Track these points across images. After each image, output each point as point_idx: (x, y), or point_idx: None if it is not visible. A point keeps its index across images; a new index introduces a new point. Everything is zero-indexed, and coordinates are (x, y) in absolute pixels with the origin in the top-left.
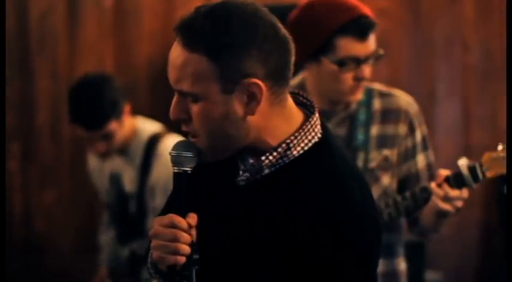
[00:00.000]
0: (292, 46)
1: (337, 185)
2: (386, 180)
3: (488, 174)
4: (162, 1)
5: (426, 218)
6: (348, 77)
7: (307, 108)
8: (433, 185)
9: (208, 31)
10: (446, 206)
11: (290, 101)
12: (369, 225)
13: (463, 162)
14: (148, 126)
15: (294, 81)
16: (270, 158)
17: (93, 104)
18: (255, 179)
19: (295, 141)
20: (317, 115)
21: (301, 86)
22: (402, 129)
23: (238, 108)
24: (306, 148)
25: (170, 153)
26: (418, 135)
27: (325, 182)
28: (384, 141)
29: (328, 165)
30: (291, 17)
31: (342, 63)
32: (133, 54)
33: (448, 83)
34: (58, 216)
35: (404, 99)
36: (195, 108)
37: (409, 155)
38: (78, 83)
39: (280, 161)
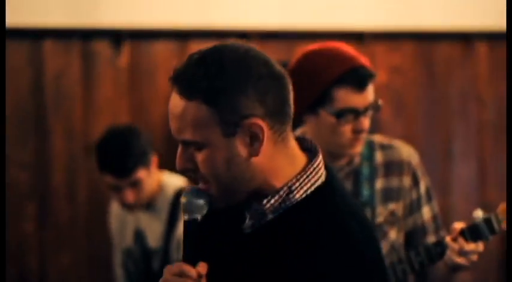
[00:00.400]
0: (288, 81)
1: (338, 227)
2: (393, 234)
3: (504, 225)
4: (176, 60)
5: (439, 272)
6: (347, 129)
7: (311, 153)
8: (448, 239)
9: (202, 77)
10: (461, 260)
11: (293, 141)
12: (371, 264)
13: (478, 214)
14: (174, 181)
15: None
16: (272, 201)
17: (122, 150)
18: (259, 225)
19: (297, 184)
20: (320, 157)
21: None
22: (406, 181)
23: (242, 150)
24: (308, 192)
25: (181, 201)
26: (422, 187)
27: (326, 225)
28: (389, 194)
29: (330, 208)
30: (288, 68)
31: (340, 115)
32: (149, 113)
33: (464, 140)
34: (74, 279)
35: (406, 151)
36: (199, 156)
37: (414, 207)
38: (107, 132)
39: (283, 205)
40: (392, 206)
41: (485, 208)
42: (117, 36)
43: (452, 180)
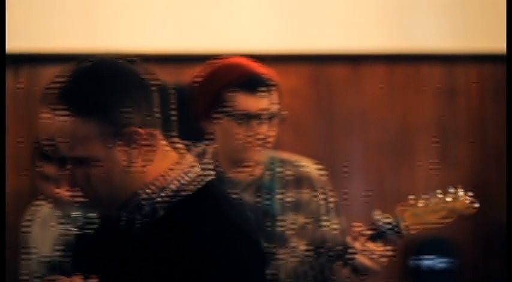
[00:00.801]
0: (154, 89)
1: (228, 220)
2: (300, 245)
3: (409, 228)
4: None
5: (344, 277)
6: (241, 133)
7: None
8: (348, 238)
9: (76, 93)
10: (372, 264)
11: (166, 144)
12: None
13: (378, 215)
14: None
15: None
16: (148, 191)
17: None
18: (151, 222)
19: (186, 178)
20: (207, 155)
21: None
22: (313, 195)
23: (122, 159)
24: (199, 186)
25: (67, 215)
26: (330, 202)
27: (218, 218)
28: (296, 207)
29: (221, 201)
30: (193, 80)
31: (233, 118)
32: None
33: (355, 160)
34: None
35: (311, 166)
36: (84, 171)
37: (320, 220)
38: None
39: (173, 199)
40: (299, 218)
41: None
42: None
43: (348, 198)
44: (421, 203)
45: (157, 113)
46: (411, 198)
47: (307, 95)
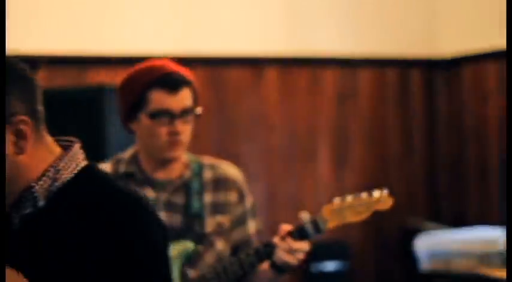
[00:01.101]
0: (37, 84)
1: (114, 197)
2: (220, 245)
3: (330, 225)
4: None
5: (263, 274)
6: (163, 131)
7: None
8: (276, 239)
9: None
10: (289, 258)
11: (50, 139)
12: (152, 219)
13: (305, 216)
14: None
15: (128, 153)
16: (42, 183)
17: None
18: (33, 213)
19: (62, 164)
20: (78, 147)
21: (135, 156)
22: (233, 197)
23: (10, 149)
24: (76, 171)
25: None
26: (248, 203)
27: (101, 197)
28: (216, 208)
29: (102, 182)
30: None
31: (154, 116)
32: None
33: (253, 164)
34: None
35: (232, 170)
36: None
37: (240, 221)
38: None
39: (52, 187)
40: (219, 218)
41: (274, 229)
42: None
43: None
44: (338, 200)
45: (41, 108)
46: (336, 198)
47: (204, 98)
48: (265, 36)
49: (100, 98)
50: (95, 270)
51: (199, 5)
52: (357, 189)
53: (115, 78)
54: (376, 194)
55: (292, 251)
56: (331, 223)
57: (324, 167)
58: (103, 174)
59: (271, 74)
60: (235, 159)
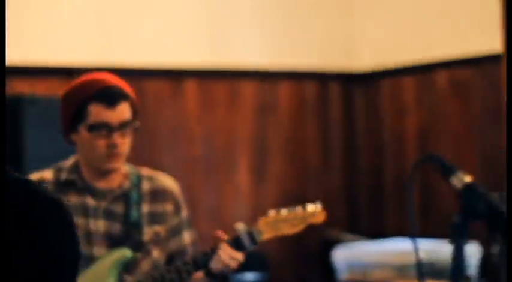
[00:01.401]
0: None
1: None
2: (156, 254)
3: (264, 237)
4: None
5: None
6: (101, 143)
7: None
8: (217, 244)
9: None
10: (227, 266)
11: None
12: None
13: (240, 227)
14: None
15: (69, 162)
16: None
17: None
18: None
19: None
20: None
21: (76, 165)
22: (169, 208)
23: None
24: None
25: None
26: (184, 214)
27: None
28: (154, 218)
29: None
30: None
31: (92, 129)
32: None
33: (173, 175)
34: None
35: (169, 182)
36: None
37: (176, 231)
38: None
39: None
40: (156, 228)
41: (195, 240)
42: None
43: None
44: (273, 212)
45: None
46: (271, 211)
47: None
48: (185, 48)
49: (18, 108)
50: (11, 271)
51: (120, 16)
52: (276, 201)
53: (35, 88)
54: (310, 207)
55: (231, 258)
56: (266, 235)
57: (243, 179)
58: (17, 176)
59: (190, 86)
60: (155, 170)
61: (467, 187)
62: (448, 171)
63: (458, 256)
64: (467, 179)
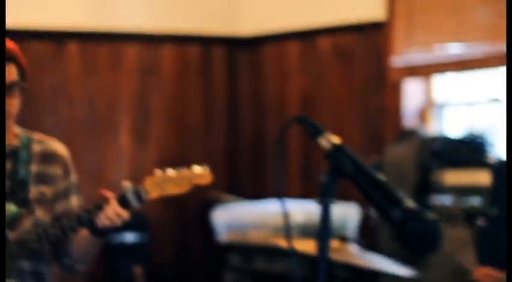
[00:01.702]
0: None
1: None
2: (41, 213)
3: (151, 196)
4: None
5: (83, 239)
6: None
7: None
8: (103, 201)
9: None
10: (111, 222)
11: None
12: None
13: (127, 185)
14: None
15: None
16: None
17: None
18: None
19: None
20: None
21: None
22: (59, 170)
23: None
24: None
25: None
26: (73, 179)
27: None
28: (41, 178)
29: None
30: None
31: None
32: None
33: (54, 136)
34: None
35: (59, 146)
36: None
37: (63, 194)
38: None
39: None
40: (43, 188)
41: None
42: None
43: None
44: (159, 172)
45: None
46: (157, 171)
47: None
48: (67, 10)
49: None
50: None
51: None
52: (158, 163)
53: None
54: (197, 169)
55: (116, 215)
56: (152, 194)
57: (125, 141)
58: None
59: (72, 48)
60: (36, 131)
61: (335, 148)
62: (316, 132)
63: (325, 215)
64: (335, 139)
